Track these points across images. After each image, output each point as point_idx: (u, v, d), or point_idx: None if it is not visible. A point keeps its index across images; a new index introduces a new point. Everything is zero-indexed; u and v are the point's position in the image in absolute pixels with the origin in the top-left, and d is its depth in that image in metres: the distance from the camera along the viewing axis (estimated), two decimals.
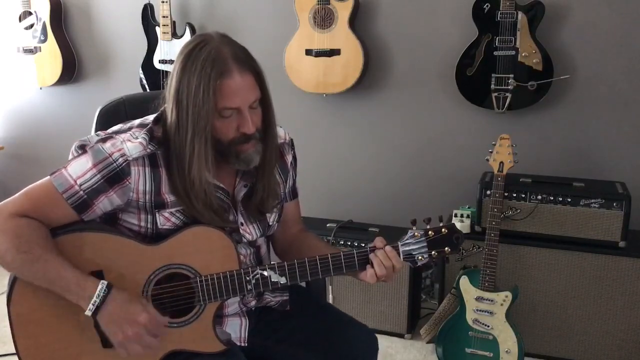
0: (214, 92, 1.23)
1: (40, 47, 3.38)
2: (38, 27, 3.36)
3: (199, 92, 1.23)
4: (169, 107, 1.29)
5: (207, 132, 1.25)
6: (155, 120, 1.34)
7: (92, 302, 1.20)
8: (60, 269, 1.21)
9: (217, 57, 1.24)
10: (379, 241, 1.36)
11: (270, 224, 1.48)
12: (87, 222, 1.31)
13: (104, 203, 1.28)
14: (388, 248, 1.35)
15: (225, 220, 1.37)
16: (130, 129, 1.34)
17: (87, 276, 1.22)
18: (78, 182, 1.26)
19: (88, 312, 1.20)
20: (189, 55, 1.26)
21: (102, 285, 1.21)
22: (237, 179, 1.42)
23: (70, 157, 1.32)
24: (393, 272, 1.35)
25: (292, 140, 1.55)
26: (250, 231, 1.44)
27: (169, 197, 1.32)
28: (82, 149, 1.31)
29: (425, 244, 1.36)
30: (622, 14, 2.53)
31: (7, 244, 1.22)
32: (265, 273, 1.32)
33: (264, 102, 1.35)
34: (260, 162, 1.37)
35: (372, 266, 1.34)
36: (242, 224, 1.42)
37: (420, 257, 1.36)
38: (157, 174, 1.31)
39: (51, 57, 3.37)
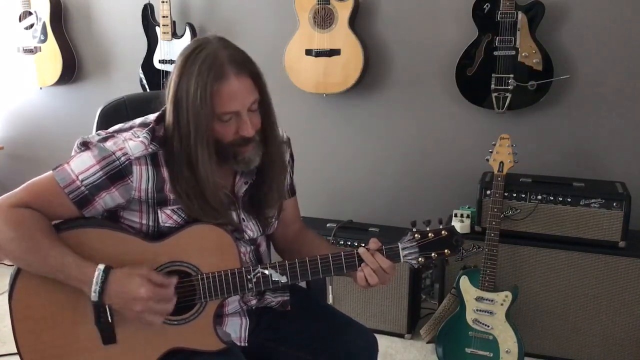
0: (211, 97, 1.23)
1: (40, 47, 3.38)
2: (38, 27, 3.36)
3: (196, 97, 1.23)
4: (168, 109, 1.30)
5: (207, 135, 1.26)
6: (157, 120, 1.35)
7: (93, 289, 1.21)
8: (63, 256, 1.22)
9: (214, 61, 1.24)
10: (372, 243, 1.35)
11: (270, 221, 1.48)
12: (90, 219, 1.31)
13: (105, 199, 1.29)
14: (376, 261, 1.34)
15: (227, 217, 1.37)
16: (131, 128, 1.34)
17: (86, 262, 1.23)
18: (80, 177, 1.27)
19: (93, 299, 1.22)
20: (187, 60, 1.26)
21: (98, 271, 1.22)
22: (237, 176, 1.43)
23: (73, 153, 1.33)
24: (386, 274, 1.34)
25: (289, 138, 1.55)
26: (251, 227, 1.45)
27: (171, 195, 1.32)
28: (85, 145, 1.31)
29: (424, 246, 1.36)
30: (622, 14, 2.53)
31: (10, 233, 1.23)
32: (267, 272, 1.32)
33: (264, 104, 1.35)
34: (264, 162, 1.38)
35: (364, 273, 1.33)
36: (243, 220, 1.43)
37: (420, 259, 1.36)
38: (159, 173, 1.31)
39: (51, 57, 3.37)
